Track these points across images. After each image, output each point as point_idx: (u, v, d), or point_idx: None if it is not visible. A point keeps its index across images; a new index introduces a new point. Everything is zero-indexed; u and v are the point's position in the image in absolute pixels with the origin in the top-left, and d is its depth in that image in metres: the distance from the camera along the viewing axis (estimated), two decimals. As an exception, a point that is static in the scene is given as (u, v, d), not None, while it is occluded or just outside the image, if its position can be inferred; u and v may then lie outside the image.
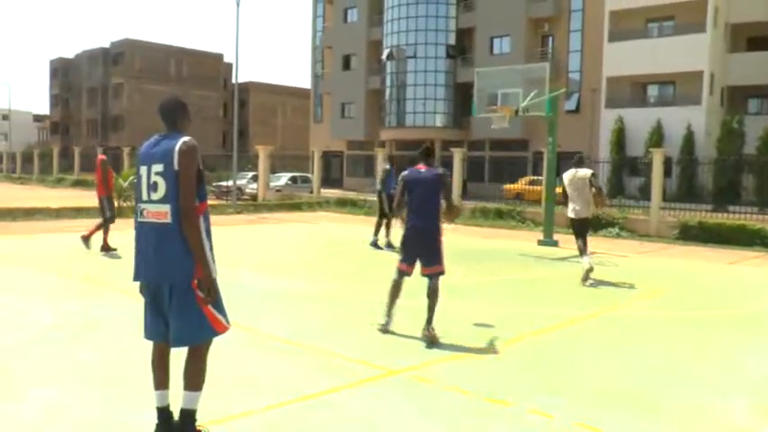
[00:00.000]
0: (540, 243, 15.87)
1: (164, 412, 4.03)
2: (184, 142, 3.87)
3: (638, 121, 36.00)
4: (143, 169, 3.91)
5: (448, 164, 29.55)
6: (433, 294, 6.79)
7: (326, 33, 57.02)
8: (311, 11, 59.78)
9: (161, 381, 4.04)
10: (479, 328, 7.40)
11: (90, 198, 24.25)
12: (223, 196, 30.37)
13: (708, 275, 12.33)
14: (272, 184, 30.90)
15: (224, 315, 4.02)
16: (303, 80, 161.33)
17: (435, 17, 47.48)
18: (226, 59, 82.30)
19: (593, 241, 14.89)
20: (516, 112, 16.22)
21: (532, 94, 16.02)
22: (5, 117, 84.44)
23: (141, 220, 3.90)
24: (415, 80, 48.24)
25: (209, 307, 3.89)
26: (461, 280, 10.88)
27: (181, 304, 3.82)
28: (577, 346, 6.85)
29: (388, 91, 50.20)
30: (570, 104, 42.18)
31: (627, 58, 37.33)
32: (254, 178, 31.70)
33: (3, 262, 11.34)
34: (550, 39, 44.29)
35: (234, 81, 31.55)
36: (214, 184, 34.53)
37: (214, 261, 3.93)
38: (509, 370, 5.87)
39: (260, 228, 18.98)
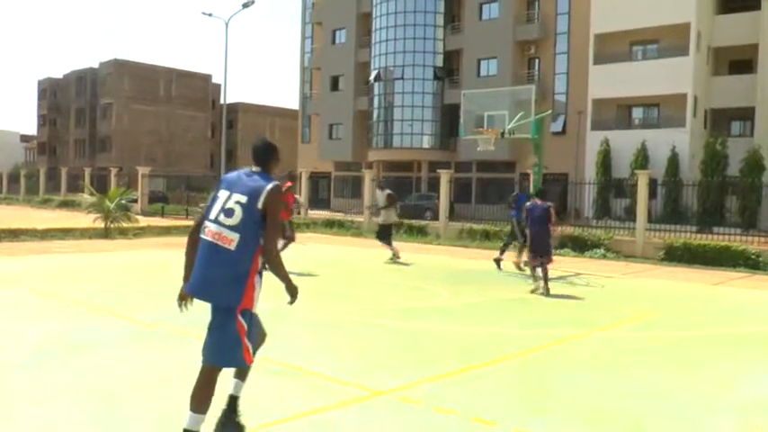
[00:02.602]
0: (527, 264, 15.95)
1: (234, 399, 4.37)
2: (276, 186, 4.08)
3: (624, 142, 36.31)
4: (224, 193, 4.12)
5: (435, 185, 29.67)
6: (546, 273, 11.54)
7: (315, 55, 57.32)
8: (300, 32, 60.16)
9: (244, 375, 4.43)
10: (466, 348, 7.41)
11: (77, 219, 24.19)
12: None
13: (693, 296, 12.42)
14: (259, 204, 30.84)
15: (254, 349, 4.20)
16: (291, 101, 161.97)
17: (423, 39, 47.88)
18: (214, 80, 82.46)
19: (580, 262, 15.03)
20: (503, 134, 16.38)
21: (518, 115, 16.18)
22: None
23: (203, 236, 4.09)
24: (403, 101, 48.52)
25: (246, 339, 4.03)
26: (448, 301, 10.91)
27: (222, 326, 4.00)
28: (564, 366, 6.87)
29: (375, 112, 50.45)
30: (556, 126, 42.50)
31: (612, 81, 37.71)
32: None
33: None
34: (537, 61, 44.72)
35: (222, 102, 31.62)
36: (201, 205, 34.46)
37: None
38: (496, 390, 5.87)
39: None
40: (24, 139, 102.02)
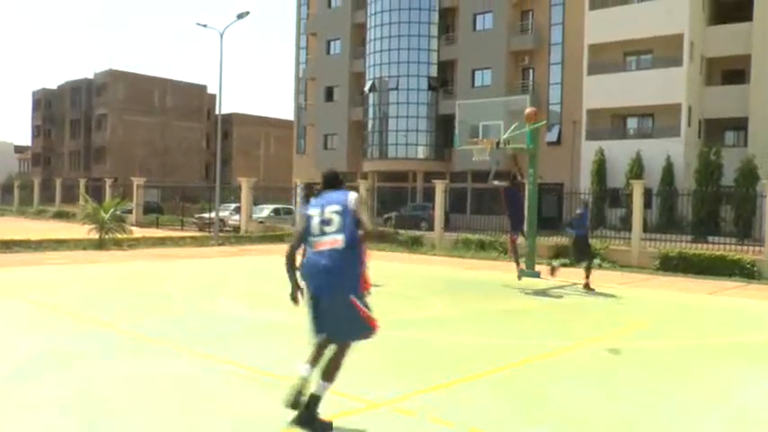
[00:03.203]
0: (522, 274, 15.92)
1: (305, 381, 4.99)
2: (355, 194, 5.15)
3: (619, 152, 36.39)
4: (316, 211, 5.04)
5: (430, 196, 29.67)
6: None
7: (310, 65, 57.40)
8: (294, 43, 60.24)
9: (314, 360, 5.06)
10: (461, 359, 7.39)
11: (71, 230, 24.12)
12: (205, 228, 30.27)
13: (689, 306, 12.42)
14: (254, 215, 30.84)
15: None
16: (286, 112, 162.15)
17: (417, 50, 48.00)
18: (209, 91, 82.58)
19: (575, 272, 15.01)
20: (497, 144, 16.37)
21: (513, 126, 16.18)
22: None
23: (314, 250, 4.95)
24: (398, 112, 48.58)
25: (365, 309, 4.90)
26: (444, 311, 10.90)
27: (346, 308, 4.86)
28: (559, 376, 6.86)
29: (370, 123, 50.50)
30: (551, 136, 42.58)
31: (606, 91, 37.84)
32: (237, 210, 31.64)
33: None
34: (531, 71, 44.84)
35: (217, 112, 31.63)
36: (196, 215, 34.45)
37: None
38: (492, 401, 5.86)
39: (242, 260, 18.92)
40: (18, 149, 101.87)
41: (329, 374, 4.94)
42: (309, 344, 5.19)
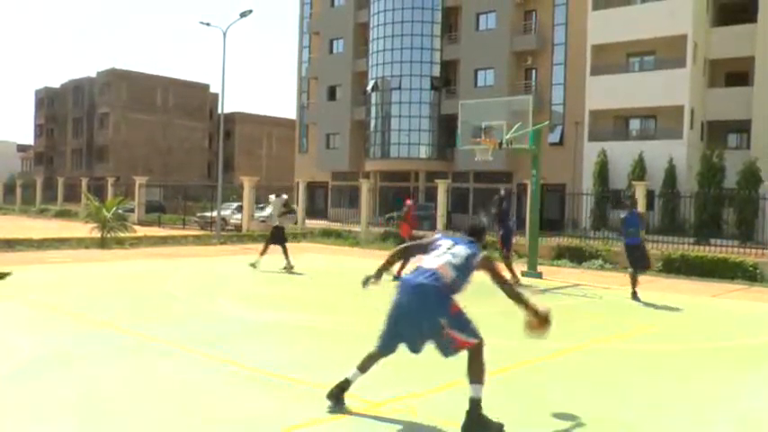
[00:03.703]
0: (524, 275, 15.89)
1: (348, 383, 5.52)
2: (486, 256, 5.63)
3: (621, 154, 36.35)
4: (448, 242, 5.54)
5: (432, 195, 29.65)
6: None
7: (312, 64, 57.39)
8: (297, 42, 60.22)
9: (365, 368, 5.56)
10: (462, 360, 7.32)
11: (74, 229, 24.13)
12: (207, 227, 30.27)
13: (691, 308, 12.37)
14: (256, 214, 30.84)
15: (470, 333, 5.34)
16: (289, 111, 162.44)
17: (420, 49, 47.97)
18: (212, 90, 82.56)
19: (577, 273, 14.99)
20: (500, 144, 16.35)
21: (516, 126, 16.17)
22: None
23: (425, 265, 5.43)
24: (400, 111, 48.55)
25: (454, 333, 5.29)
26: (445, 312, 10.85)
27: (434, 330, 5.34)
28: (562, 378, 6.84)
29: (372, 122, 50.48)
30: (554, 137, 42.55)
31: (609, 92, 37.80)
32: (239, 209, 31.64)
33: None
34: (534, 72, 44.80)
35: (220, 111, 31.60)
36: (198, 214, 34.46)
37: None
38: (495, 402, 5.76)
39: (243, 259, 18.89)
40: (21, 148, 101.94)
41: (476, 376, 5.24)
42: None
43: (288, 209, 17.01)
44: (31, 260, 16.40)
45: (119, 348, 7.43)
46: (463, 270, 5.31)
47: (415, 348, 5.33)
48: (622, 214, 13.21)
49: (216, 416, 5.24)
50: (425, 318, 5.18)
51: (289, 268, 15.44)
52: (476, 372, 5.19)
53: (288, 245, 16.14)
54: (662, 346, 8.70)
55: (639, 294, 12.74)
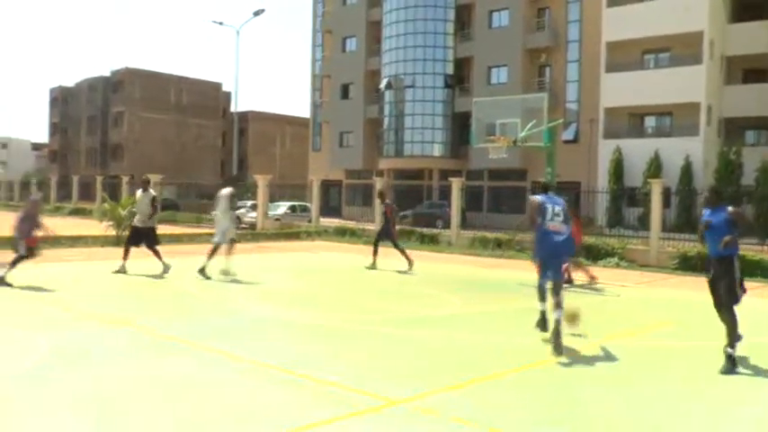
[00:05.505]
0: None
1: (544, 314, 8.22)
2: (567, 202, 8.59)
3: (637, 151, 36.15)
4: (549, 206, 8.06)
5: (446, 193, 29.57)
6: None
7: (325, 62, 57.44)
8: (310, 40, 60.31)
9: (543, 298, 8.20)
10: (480, 357, 7.37)
11: (88, 227, 24.22)
12: (221, 225, 30.24)
13: (708, 306, 12.17)
14: (270, 213, 30.84)
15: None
16: (302, 109, 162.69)
17: (433, 47, 47.88)
18: (225, 88, 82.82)
19: (593, 271, 14.87)
20: (514, 142, 16.28)
21: (530, 124, 16.10)
22: (4, 145, 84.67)
23: (548, 228, 7.99)
24: (413, 109, 48.50)
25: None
26: (460, 309, 10.86)
27: (560, 269, 8.32)
28: (578, 376, 6.81)
29: (386, 120, 50.46)
30: (568, 134, 42.37)
31: (624, 89, 37.58)
32: (253, 207, 31.66)
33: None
34: (548, 69, 44.62)
35: (233, 110, 31.69)
36: (212, 212, 34.50)
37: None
38: (510, 400, 5.82)
39: (258, 257, 18.89)
40: (36, 147, 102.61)
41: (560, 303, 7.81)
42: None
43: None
44: (47, 258, 16.43)
45: (135, 345, 7.46)
46: (566, 217, 8.27)
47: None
48: (708, 213, 7.71)
49: (228, 411, 5.23)
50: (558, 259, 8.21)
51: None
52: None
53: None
54: (679, 343, 8.64)
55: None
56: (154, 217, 14.34)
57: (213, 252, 13.61)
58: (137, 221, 14.17)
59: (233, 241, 13.88)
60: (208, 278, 12.98)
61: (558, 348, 7.45)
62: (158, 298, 10.99)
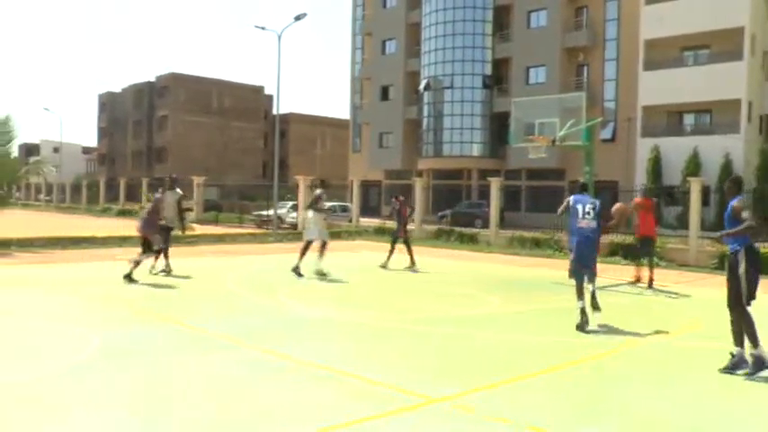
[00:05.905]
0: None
1: (584, 312, 9.05)
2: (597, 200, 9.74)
3: (675, 149, 35.86)
4: (580, 205, 9.32)
5: (485, 193, 29.74)
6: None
7: (365, 65, 57.90)
8: (350, 43, 60.83)
9: (582, 296, 9.17)
10: (517, 357, 7.47)
11: (134, 227, 24.90)
12: (263, 225, 30.91)
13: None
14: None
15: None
16: (342, 111, 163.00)
17: (472, 48, 48.01)
18: (266, 91, 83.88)
19: (632, 271, 14.93)
20: (553, 141, 16.40)
21: (569, 123, 16.19)
22: (57, 149, 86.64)
23: (580, 226, 9.25)
24: (452, 110, 48.67)
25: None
26: (498, 308, 11.01)
27: (592, 260, 9.56)
28: (616, 375, 6.84)
29: (425, 121, 50.70)
30: (606, 133, 42.15)
31: (662, 87, 37.27)
32: (294, 207, 32.20)
33: (49, 288, 11.67)
34: (585, 68, 44.42)
35: (275, 112, 32.29)
36: (254, 213, 35.18)
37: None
38: (549, 399, 5.84)
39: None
40: (86, 150, 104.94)
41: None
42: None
43: (187, 207, 14.67)
44: (102, 257, 17.10)
45: (181, 344, 7.64)
46: (597, 215, 9.41)
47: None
48: (745, 213, 7.30)
49: (267, 408, 5.41)
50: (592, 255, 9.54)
51: (168, 271, 13.68)
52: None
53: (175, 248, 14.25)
54: (718, 343, 8.41)
55: None
56: (184, 220, 14.28)
57: (305, 250, 14.32)
58: (165, 222, 13.78)
59: (325, 243, 14.59)
60: (300, 276, 13.77)
61: (592, 312, 9.36)
62: (205, 296, 11.23)
